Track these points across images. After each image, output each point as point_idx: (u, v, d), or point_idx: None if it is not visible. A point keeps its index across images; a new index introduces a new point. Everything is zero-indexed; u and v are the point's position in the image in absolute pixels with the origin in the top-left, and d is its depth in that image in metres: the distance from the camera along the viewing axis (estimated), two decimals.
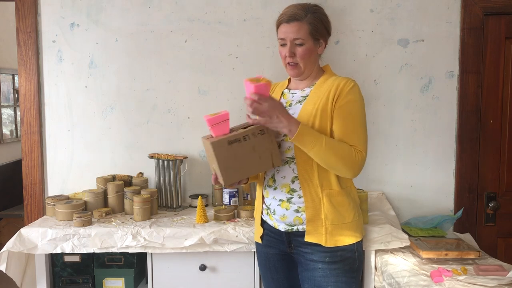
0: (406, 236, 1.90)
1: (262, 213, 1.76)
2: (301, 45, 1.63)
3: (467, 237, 2.19)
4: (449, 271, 1.69)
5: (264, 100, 1.51)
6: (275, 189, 1.68)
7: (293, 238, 1.68)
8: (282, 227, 1.68)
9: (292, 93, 1.74)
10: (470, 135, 2.35)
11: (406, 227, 2.19)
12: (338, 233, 1.62)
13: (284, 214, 1.66)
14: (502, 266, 1.73)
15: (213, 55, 2.42)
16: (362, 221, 1.74)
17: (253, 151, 1.56)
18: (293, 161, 1.65)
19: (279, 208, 1.67)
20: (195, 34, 2.41)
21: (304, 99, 1.69)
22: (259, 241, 1.78)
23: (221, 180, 1.59)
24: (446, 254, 1.85)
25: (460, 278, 1.64)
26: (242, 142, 1.56)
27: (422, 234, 2.10)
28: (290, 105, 1.71)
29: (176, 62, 2.43)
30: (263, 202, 1.76)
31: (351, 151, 1.57)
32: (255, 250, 1.94)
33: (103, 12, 2.43)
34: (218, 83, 2.43)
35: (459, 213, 2.24)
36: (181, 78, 2.44)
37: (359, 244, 1.68)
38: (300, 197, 1.64)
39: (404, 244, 1.89)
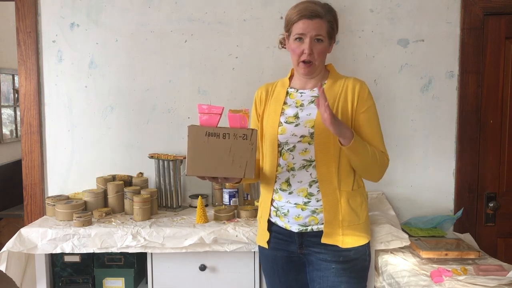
0: (406, 236, 1.91)
1: (270, 215, 1.74)
2: (320, 42, 1.63)
3: (467, 237, 2.18)
4: (449, 271, 1.69)
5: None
6: (290, 193, 1.67)
7: (306, 238, 1.66)
8: (295, 228, 1.66)
9: (301, 93, 1.71)
10: (470, 135, 2.35)
11: (406, 227, 2.18)
12: (353, 234, 1.64)
13: (299, 215, 1.65)
14: (502, 266, 1.73)
15: (213, 55, 2.42)
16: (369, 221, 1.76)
17: (228, 152, 1.50)
18: (310, 165, 1.64)
19: (294, 209, 1.66)
20: (195, 34, 2.41)
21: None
22: (265, 246, 1.74)
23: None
24: (446, 254, 1.85)
25: (460, 278, 1.64)
26: (219, 139, 1.49)
27: (422, 234, 2.10)
28: (302, 105, 1.68)
29: (176, 62, 2.43)
30: (271, 204, 1.73)
31: (384, 158, 1.63)
32: (255, 250, 1.94)
33: (103, 12, 2.43)
34: (218, 83, 2.43)
35: (459, 213, 2.24)
36: (181, 78, 2.44)
37: (369, 242, 1.71)
38: (318, 201, 1.64)
39: (404, 244, 1.89)
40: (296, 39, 1.64)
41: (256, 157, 1.78)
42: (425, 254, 1.84)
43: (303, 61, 1.64)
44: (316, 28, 1.60)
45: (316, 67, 1.66)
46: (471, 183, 2.37)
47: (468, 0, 2.30)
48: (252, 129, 1.52)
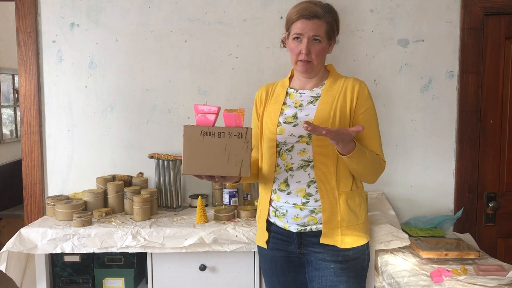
0: (406, 236, 1.90)
1: (268, 215, 1.74)
2: (318, 43, 1.63)
3: (467, 237, 2.19)
4: (449, 271, 1.69)
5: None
6: (288, 193, 1.67)
7: (304, 238, 1.66)
8: (293, 228, 1.66)
9: (300, 93, 1.72)
10: (470, 135, 2.35)
11: (406, 227, 2.19)
12: (352, 234, 1.63)
13: (298, 215, 1.65)
14: (502, 266, 1.73)
15: (213, 55, 2.42)
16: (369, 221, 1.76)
17: (223, 151, 1.51)
18: (308, 165, 1.64)
19: (293, 209, 1.66)
20: (195, 34, 2.41)
21: (316, 100, 1.67)
22: (264, 246, 1.75)
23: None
24: (446, 254, 1.85)
25: (460, 278, 1.64)
26: (214, 138, 1.51)
27: (422, 234, 2.10)
28: (301, 105, 1.68)
29: (176, 62, 2.43)
30: (270, 205, 1.73)
31: (381, 162, 1.64)
32: (255, 250, 1.94)
33: (103, 12, 2.43)
34: (218, 83, 2.43)
35: (459, 213, 2.24)
36: (181, 78, 2.44)
37: (368, 242, 1.71)
38: (316, 201, 1.64)
39: (404, 244, 1.89)
40: (294, 38, 1.64)
41: (256, 157, 1.78)
42: (425, 254, 1.84)
43: (301, 60, 1.64)
44: (314, 28, 1.61)
45: (314, 66, 1.66)
46: (471, 183, 2.37)
47: (468, 0, 2.30)
48: (247, 128, 1.53)
